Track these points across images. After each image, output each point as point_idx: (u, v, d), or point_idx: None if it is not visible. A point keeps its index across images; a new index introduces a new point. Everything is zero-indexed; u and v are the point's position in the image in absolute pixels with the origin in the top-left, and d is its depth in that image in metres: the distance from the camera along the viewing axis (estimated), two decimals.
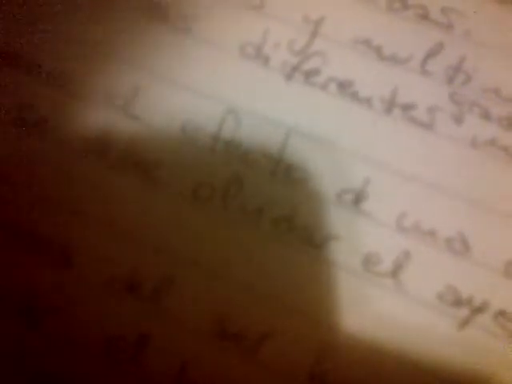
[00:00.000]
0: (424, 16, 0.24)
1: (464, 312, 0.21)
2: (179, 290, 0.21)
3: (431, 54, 0.23)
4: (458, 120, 0.23)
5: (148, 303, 0.21)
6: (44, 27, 0.24)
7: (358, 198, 0.22)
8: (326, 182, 0.22)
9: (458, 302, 0.21)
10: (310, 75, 0.23)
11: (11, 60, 0.24)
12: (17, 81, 0.24)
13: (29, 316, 0.21)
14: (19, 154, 0.23)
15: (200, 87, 0.23)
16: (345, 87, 0.23)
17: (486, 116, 0.23)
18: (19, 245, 0.22)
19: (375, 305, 0.21)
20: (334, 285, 0.21)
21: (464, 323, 0.21)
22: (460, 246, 0.21)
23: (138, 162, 0.23)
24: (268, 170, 0.22)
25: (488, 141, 0.22)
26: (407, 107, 0.23)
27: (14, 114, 0.23)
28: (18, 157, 0.23)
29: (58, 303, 0.21)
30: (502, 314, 0.21)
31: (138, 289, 0.21)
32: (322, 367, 0.21)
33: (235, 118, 0.23)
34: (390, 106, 0.23)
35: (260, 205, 0.22)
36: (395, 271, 0.21)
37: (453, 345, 0.21)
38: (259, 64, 0.24)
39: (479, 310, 0.21)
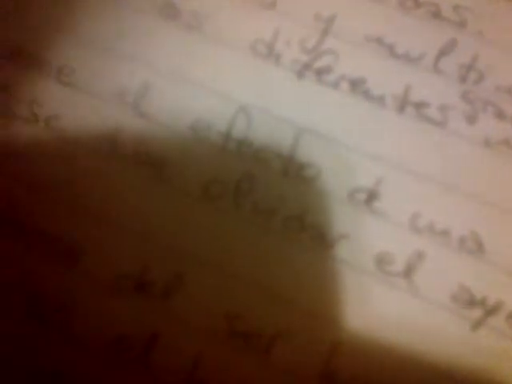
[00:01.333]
0: (436, 14, 0.24)
1: (477, 313, 0.21)
2: (189, 288, 0.21)
3: (444, 52, 0.23)
4: (471, 119, 0.22)
5: (157, 302, 0.21)
6: (54, 25, 0.24)
7: (371, 198, 0.22)
8: (338, 181, 0.22)
9: (471, 303, 0.21)
10: (321, 73, 0.23)
11: (21, 58, 0.24)
12: (27, 78, 0.24)
13: (37, 315, 0.21)
14: (30, 150, 0.23)
15: (211, 85, 0.23)
16: (357, 85, 0.23)
17: (499, 115, 0.22)
18: (27, 243, 0.22)
19: (387, 305, 0.21)
20: (346, 285, 0.21)
21: (477, 324, 0.20)
22: (473, 246, 0.21)
23: (148, 160, 0.23)
24: (279, 168, 0.22)
25: (502, 140, 0.22)
26: (420, 105, 0.23)
27: (24, 111, 0.23)
28: (27, 153, 0.23)
29: (66, 302, 0.21)
30: None
31: (148, 287, 0.21)
32: (333, 367, 0.20)
33: (246, 117, 0.23)
34: (402, 104, 0.23)
35: (271, 204, 0.22)
36: (408, 271, 0.21)
37: (466, 346, 0.20)
38: (270, 62, 0.23)
39: (493, 310, 0.21)
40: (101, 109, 0.23)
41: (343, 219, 0.22)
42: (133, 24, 0.24)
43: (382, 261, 0.21)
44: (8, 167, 0.23)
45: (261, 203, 0.22)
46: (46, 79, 0.24)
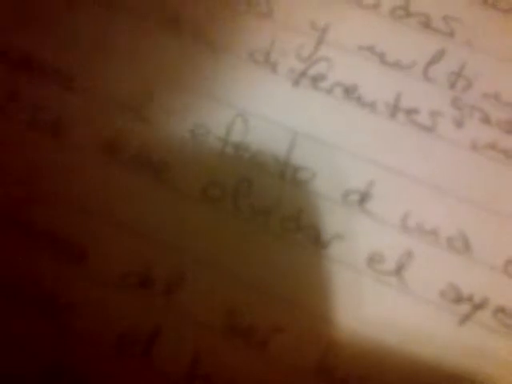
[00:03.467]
0: (426, 24, 0.24)
1: (465, 308, 0.21)
2: (190, 286, 0.22)
3: (433, 61, 0.24)
4: (459, 124, 0.23)
5: (160, 299, 0.22)
6: (58, 31, 0.25)
7: (363, 199, 0.22)
8: (332, 184, 0.23)
9: (458, 299, 0.21)
10: (316, 80, 0.24)
11: (26, 63, 0.25)
12: (31, 83, 0.24)
13: (43, 312, 0.22)
14: (33, 154, 0.23)
15: (210, 92, 0.24)
16: (350, 92, 0.24)
17: (486, 120, 0.23)
18: (33, 242, 0.22)
19: (379, 302, 0.21)
20: (339, 282, 0.22)
21: (465, 319, 0.21)
22: (461, 245, 0.22)
23: (149, 164, 0.23)
24: (276, 172, 0.23)
25: (488, 144, 0.23)
26: (410, 111, 0.23)
27: (28, 116, 0.24)
28: (32, 158, 0.23)
29: (71, 299, 0.22)
30: (501, 310, 0.21)
31: (150, 285, 0.22)
32: (329, 363, 0.21)
33: (244, 122, 0.23)
34: (393, 110, 0.23)
35: (268, 205, 0.23)
36: (399, 270, 0.22)
37: (454, 341, 0.21)
38: (267, 70, 0.24)
39: (479, 306, 0.21)
40: (104, 113, 0.24)
41: (337, 220, 0.22)
42: (133, 31, 0.25)
43: (373, 260, 0.22)
44: (13, 171, 0.23)
45: (258, 205, 0.23)
46: (48, 84, 0.24)
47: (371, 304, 0.22)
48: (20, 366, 0.22)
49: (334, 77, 0.24)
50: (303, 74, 0.24)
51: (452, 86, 0.24)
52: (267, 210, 0.22)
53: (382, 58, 0.24)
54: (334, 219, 0.22)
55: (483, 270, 0.22)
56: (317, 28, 0.25)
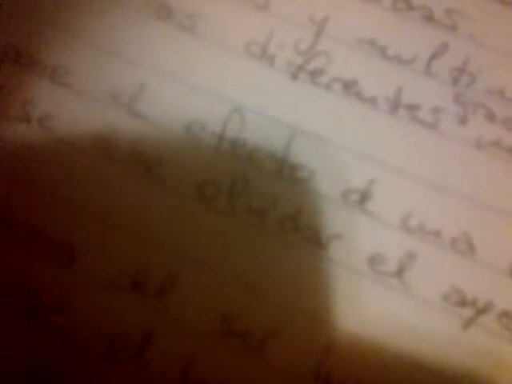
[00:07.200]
0: (429, 17, 0.24)
1: (468, 312, 0.21)
2: (184, 287, 0.21)
3: (436, 55, 0.24)
4: (463, 121, 0.23)
5: (152, 301, 0.21)
6: (48, 24, 0.24)
7: (363, 198, 0.22)
8: (331, 182, 0.22)
9: (462, 303, 0.21)
10: (314, 75, 0.23)
11: (16, 57, 0.24)
12: (21, 77, 0.24)
13: (32, 314, 0.21)
14: (23, 150, 0.23)
15: (205, 86, 0.23)
16: (349, 87, 0.23)
17: (490, 117, 0.23)
18: (22, 243, 0.22)
19: (380, 304, 0.21)
20: (339, 284, 0.21)
21: (468, 323, 0.21)
22: (465, 247, 0.21)
23: (142, 160, 0.23)
24: (273, 169, 0.22)
25: (492, 142, 0.22)
26: (412, 107, 0.23)
27: (18, 111, 0.23)
28: (21, 153, 0.23)
29: (61, 301, 0.21)
30: (506, 314, 0.21)
31: (143, 287, 0.21)
32: (327, 366, 0.21)
33: (240, 118, 0.23)
34: (394, 106, 0.23)
35: (265, 204, 0.22)
36: (400, 271, 0.21)
37: (457, 345, 0.21)
38: (264, 63, 0.24)
39: (483, 310, 0.21)
40: (95, 109, 0.23)
41: (336, 220, 0.22)
42: (128, 25, 0.24)
43: (374, 261, 0.21)
44: (2, 167, 0.23)
45: (255, 204, 0.22)
46: (40, 79, 0.24)
47: (372, 306, 0.21)
48: (5, 370, 0.21)
49: (333, 71, 0.24)
50: (301, 68, 0.23)
51: (455, 81, 0.23)
52: (264, 209, 0.22)
53: (382, 52, 0.24)
54: (333, 219, 0.22)
55: (488, 273, 0.21)
56: (315, 21, 0.24)
